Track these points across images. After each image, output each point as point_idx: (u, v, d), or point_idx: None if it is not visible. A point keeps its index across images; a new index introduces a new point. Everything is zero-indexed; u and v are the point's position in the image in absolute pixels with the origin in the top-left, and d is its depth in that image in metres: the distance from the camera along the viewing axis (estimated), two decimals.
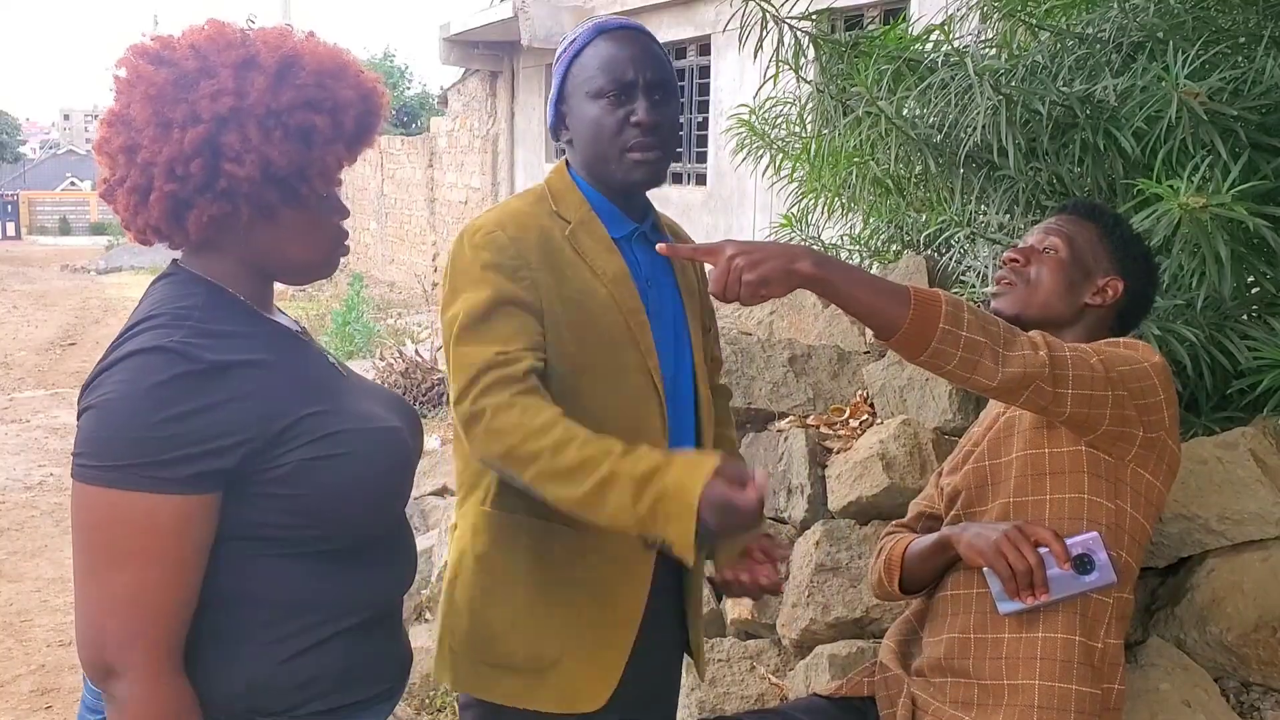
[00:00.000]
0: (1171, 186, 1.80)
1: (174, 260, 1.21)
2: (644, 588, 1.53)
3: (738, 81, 7.40)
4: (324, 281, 14.80)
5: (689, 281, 1.64)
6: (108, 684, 1.06)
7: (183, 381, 1.04)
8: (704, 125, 8.50)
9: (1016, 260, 1.65)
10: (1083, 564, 1.45)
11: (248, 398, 1.08)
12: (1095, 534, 1.47)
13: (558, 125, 1.56)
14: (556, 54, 1.56)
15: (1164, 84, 1.94)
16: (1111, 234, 1.66)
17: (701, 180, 8.56)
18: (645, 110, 1.47)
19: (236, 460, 1.07)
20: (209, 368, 1.06)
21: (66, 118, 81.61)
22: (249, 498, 1.09)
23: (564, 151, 1.58)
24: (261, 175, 1.11)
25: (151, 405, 1.03)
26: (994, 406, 1.72)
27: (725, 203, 8.04)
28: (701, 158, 8.58)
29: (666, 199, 8.77)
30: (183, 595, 1.07)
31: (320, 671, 1.15)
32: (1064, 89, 2.17)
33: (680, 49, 8.77)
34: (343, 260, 1.26)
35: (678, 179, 8.98)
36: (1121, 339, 1.56)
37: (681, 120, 8.84)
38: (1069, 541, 1.46)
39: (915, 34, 2.70)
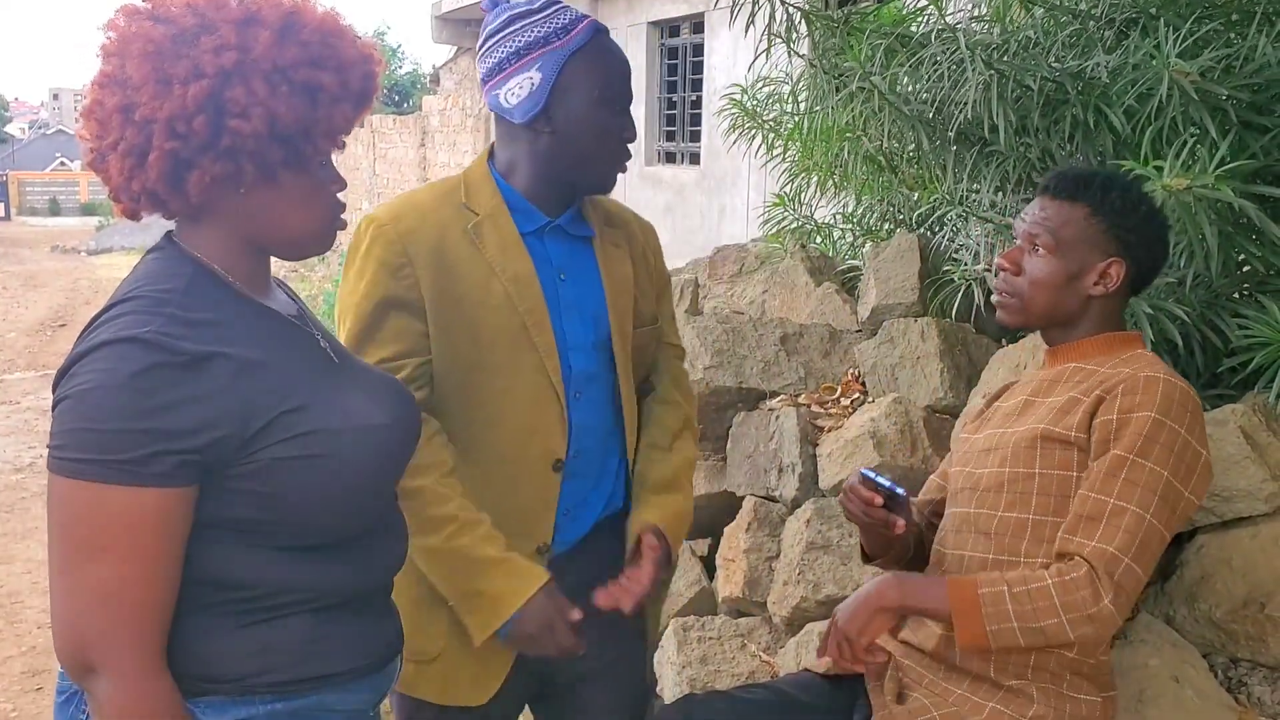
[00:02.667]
0: (1156, 166, 1.80)
1: (167, 233, 1.17)
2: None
3: (731, 59, 7.36)
4: (316, 261, 14.59)
5: (619, 276, 1.57)
6: (87, 681, 1.04)
7: (160, 373, 1.02)
8: (697, 104, 8.44)
9: (1007, 268, 1.58)
10: None
11: (225, 392, 1.05)
12: None
13: (538, 116, 1.46)
14: (529, 36, 1.46)
15: (1155, 62, 1.93)
16: (1101, 210, 1.53)
17: (695, 160, 8.52)
18: (632, 128, 1.51)
19: (213, 454, 1.04)
20: (187, 360, 1.03)
21: (56, 97, 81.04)
22: (219, 490, 1.07)
23: (534, 136, 1.47)
24: (268, 131, 1.07)
25: (129, 397, 1.00)
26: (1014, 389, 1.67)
27: (719, 183, 8.01)
28: (695, 137, 8.53)
29: (659, 179, 8.75)
30: (162, 590, 1.04)
31: (275, 641, 1.12)
32: (1056, 65, 2.16)
33: (674, 27, 8.72)
34: (338, 237, 1.23)
35: (671, 159, 8.93)
36: (1183, 428, 1.42)
37: (675, 99, 8.83)
38: None
39: (908, 10, 2.69)
